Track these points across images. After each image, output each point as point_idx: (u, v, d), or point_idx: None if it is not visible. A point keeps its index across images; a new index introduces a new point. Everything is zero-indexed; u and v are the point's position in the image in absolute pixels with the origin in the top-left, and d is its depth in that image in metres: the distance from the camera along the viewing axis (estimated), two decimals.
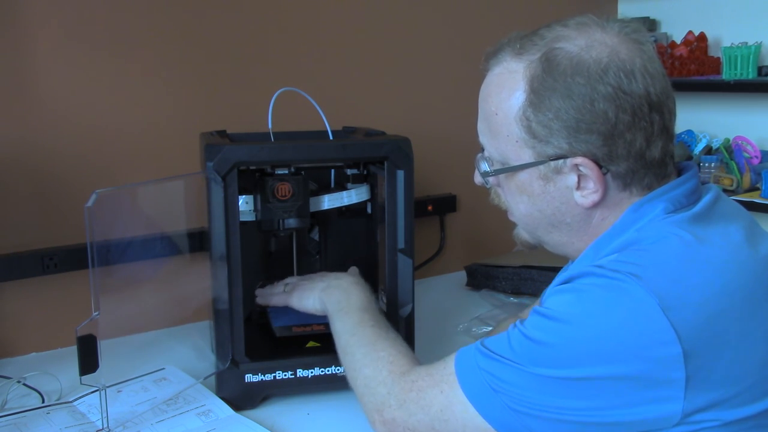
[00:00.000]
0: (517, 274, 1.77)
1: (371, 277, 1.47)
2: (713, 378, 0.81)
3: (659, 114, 0.89)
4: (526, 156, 0.92)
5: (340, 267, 1.33)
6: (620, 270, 0.83)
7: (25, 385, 1.31)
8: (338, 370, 1.26)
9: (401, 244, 1.27)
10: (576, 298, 0.84)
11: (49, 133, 1.47)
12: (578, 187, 0.91)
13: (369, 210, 1.42)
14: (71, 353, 1.10)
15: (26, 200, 1.47)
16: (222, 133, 1.38)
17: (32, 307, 1.48)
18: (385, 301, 1.32)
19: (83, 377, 1.07)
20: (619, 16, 2.32)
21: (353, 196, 1.36)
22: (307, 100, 1.39)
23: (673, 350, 0.79)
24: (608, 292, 0.82)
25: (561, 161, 0.90)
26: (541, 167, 0.91)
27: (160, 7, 1.55)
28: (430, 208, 1.94)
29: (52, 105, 1.47)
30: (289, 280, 1.36)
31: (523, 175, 0.93)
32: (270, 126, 1.36)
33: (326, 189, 1.40)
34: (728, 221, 0.91)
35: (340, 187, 1.39)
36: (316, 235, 1.49)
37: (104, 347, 1.08)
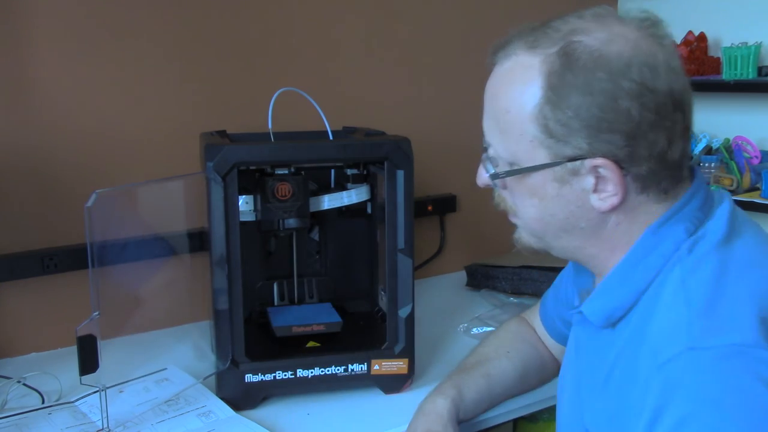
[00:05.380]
0: (517, 274, 1.78)
1: (371, 277, 1.47)
2: None
3: (682, 113, 0.84)
4: (541, 156, 0.85)
5: (340, 267, 1.33)
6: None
7: (25, 385, 1.31)
8: (338, 370, 1.26)
9: (401, 244, 1.27)
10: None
11: (50, 133, 1.47)
12: (595, 190, 0.85)
13: (369, 210, 1.42)
14: (71, 353, 1.10)
15: (26, 200, 1.47)
16: (222, 133, 1.38)
17: (32, 307, 1.48)
18: (385, 301, 1.32)
19: (83, 377, 1.07)
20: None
21: (353, 196, 1.36)
22: (307, 100, 1.39)
23: None
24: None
25: (579, 162, 0.83)
26: (557, 168, 0.85)
27: (161, 8, 1.55)
28: (430, 208, 1.94)
29: (52, 105, 1.47)
30: None
31: (536, 177, 0.87)
32: (270, 126, 1.36)
33: (326, 189, 1.40)
34: (748, 226, 0.88)
35: (340, 187, 1.39)
36: (316, 235, 1.49)
37: (104, 347, 1.09)
